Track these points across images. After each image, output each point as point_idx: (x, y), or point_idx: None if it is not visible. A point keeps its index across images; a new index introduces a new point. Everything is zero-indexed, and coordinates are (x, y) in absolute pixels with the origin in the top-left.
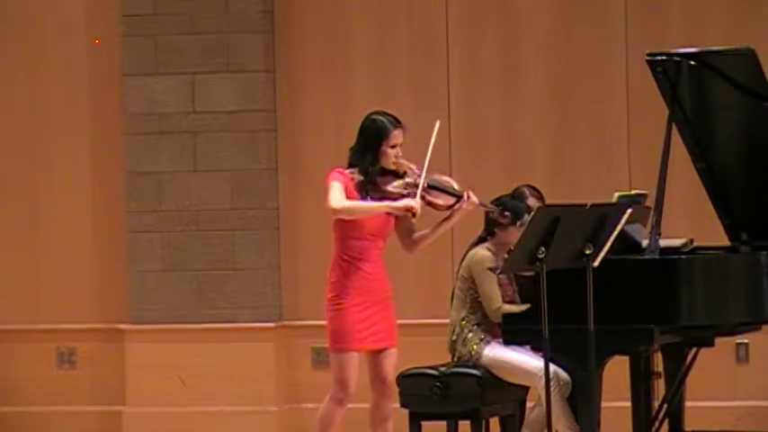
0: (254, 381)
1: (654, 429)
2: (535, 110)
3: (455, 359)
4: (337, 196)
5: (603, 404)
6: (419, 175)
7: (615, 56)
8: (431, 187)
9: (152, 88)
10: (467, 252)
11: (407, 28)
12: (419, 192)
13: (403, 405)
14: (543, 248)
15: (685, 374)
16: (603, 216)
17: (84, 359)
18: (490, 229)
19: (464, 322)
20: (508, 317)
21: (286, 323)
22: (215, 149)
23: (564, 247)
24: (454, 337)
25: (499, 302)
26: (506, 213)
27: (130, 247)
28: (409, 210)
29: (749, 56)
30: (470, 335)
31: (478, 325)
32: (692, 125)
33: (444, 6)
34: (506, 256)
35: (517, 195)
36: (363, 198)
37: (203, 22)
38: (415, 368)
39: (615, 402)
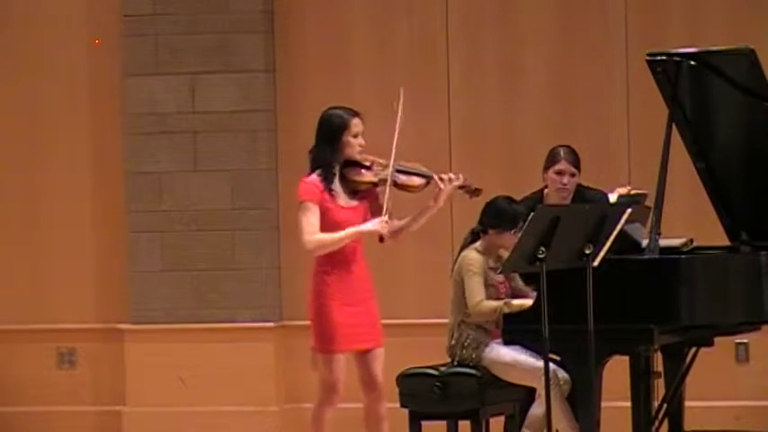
0: (254, 381)
1: (654, 429)
2: (535, 110)
3: (455, 363)
4: (308, 230)
5: (603, 404)
6: (387, 165)
7: (615, 56)
8: (400, 172)
9: (152, 88)
10: (458, 253)
11: (407, 28)
12: (389, 180)
13: (403, 405)
14: (543, 248)
15: (685, 374)
16: (603, 216)
17: (84, 359)
18: (484, 228)
19: (462, 326)
20: (508, 317)
21: (286, 323)
22: (215, 149)
23: (564, 247)
24: (453, 342)
25: (480, 297)
26: (477, 189)
27: (130, 247)
28: (377, 233)
29: (749, 56)
30: (468, 339)
31: (476, 328)
32: (692, 125)
33: (444, 6)
34: (499, 255)
35: (551, 155)
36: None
37: (203, 22)
38: (415, 368)
39: (615, 402)
